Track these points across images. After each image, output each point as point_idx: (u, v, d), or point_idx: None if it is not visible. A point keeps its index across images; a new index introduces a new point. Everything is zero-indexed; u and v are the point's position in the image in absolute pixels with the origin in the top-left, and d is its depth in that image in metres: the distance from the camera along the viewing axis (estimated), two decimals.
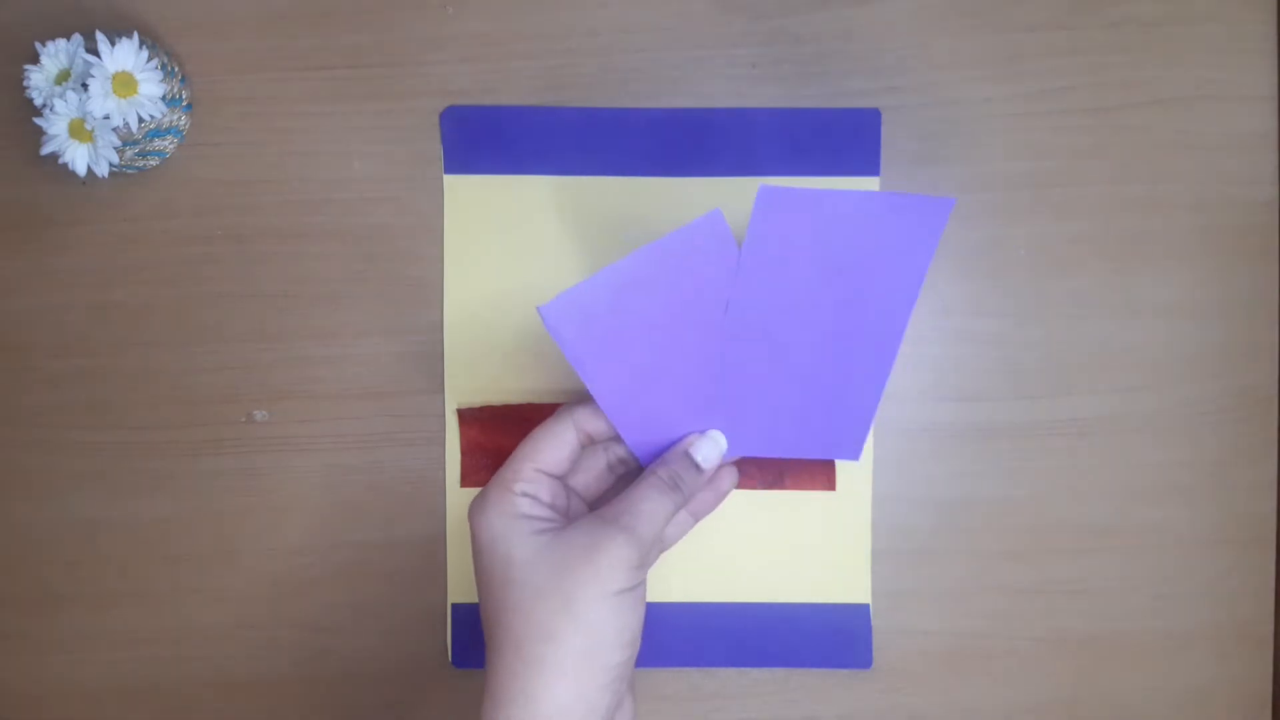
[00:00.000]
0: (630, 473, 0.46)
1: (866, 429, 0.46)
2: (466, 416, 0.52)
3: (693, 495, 0.42)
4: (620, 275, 0.41)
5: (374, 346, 0.52)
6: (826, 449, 0.47)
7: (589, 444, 0.43)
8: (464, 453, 0.52)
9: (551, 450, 0.41)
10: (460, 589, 0.52)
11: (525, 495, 0.40)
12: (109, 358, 0.52)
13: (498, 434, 0.51)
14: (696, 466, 0.42)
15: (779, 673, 0.53)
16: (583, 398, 0.44)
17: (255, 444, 0.52)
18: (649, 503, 0.40)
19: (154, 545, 0.53)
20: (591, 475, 0.45)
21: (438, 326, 0.52)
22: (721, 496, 0.46)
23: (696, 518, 0.46)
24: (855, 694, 0.53)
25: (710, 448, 0.43)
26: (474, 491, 0.52)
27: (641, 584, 0.39)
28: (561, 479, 0.42)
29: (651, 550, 0.40)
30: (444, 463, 0.52)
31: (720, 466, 0.45)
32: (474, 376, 0.52)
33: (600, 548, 0.37)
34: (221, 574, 0.53)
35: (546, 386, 0.52)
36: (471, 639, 0.52)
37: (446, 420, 0.52)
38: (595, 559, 0.37)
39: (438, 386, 0.52)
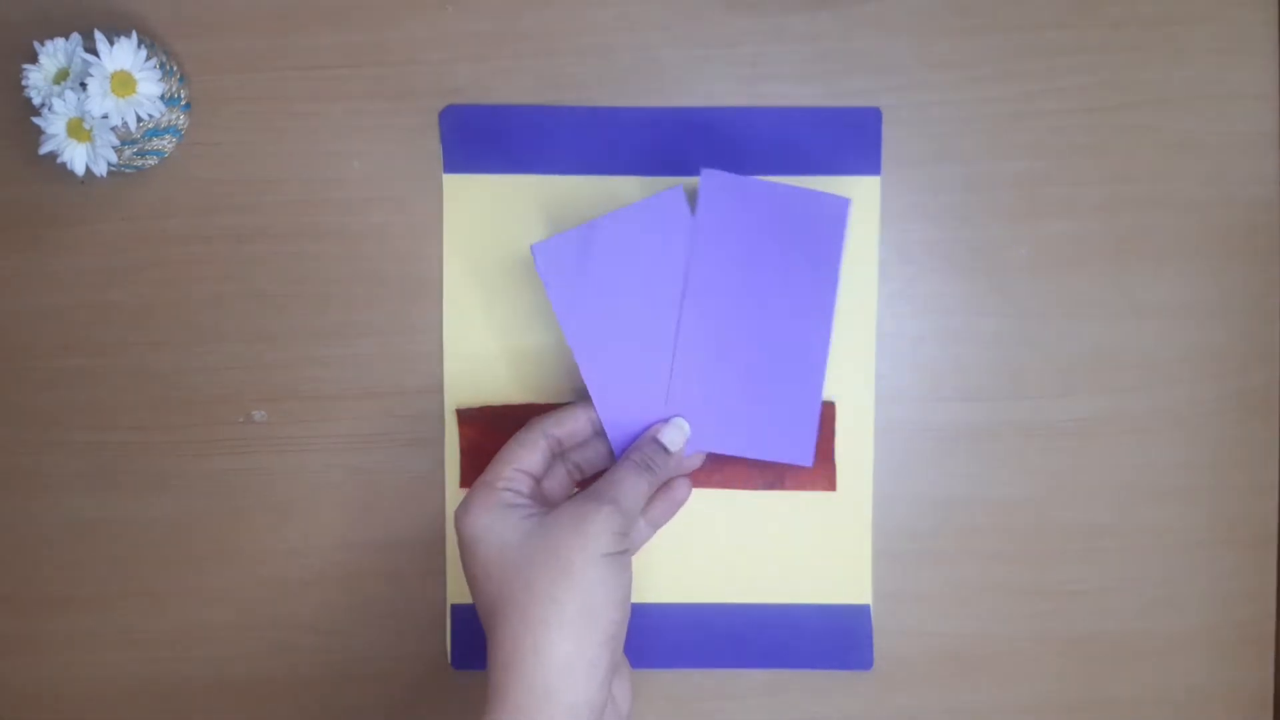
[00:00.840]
0: (587, 480, 0.48)
1: (813, 432, 0.48)
2: (465, 417, 0.52)
3: (663, 477, 0.47)
4: (598, 231, 0.47)
5: (374, 346, 0.52)
6: (778, 451, 0.49)
7: (558, 450, 0.47)
8: (463, 453, 0.52)
9: (526, 453, 0.45)
10: (460, 590, 0.52)
11: (508, 490, 0.44)
12: (109, 358, 0.52)
13: (497, 434, 0.51)
14: (664, 449, 0.46)
15: (780, 674, 0.53)
16: (552, 410, 0.48)
17: (255, 444, 0.52)
18: (628, 480, 0.44)
19: (154, 545, 0.52)
20: (556, 482, 0.48)
21: (437, 326, 0.52)
22: (677, 506, 0.49)
23: (655, 526, 0.49)
24: (856, 695, 0.53)
25: (675, 433, 0.47)
26: None
27: (628, 552, 0.43)
28: (538, 479, 0.46)
29: (632, 524, 0.44)
30: (444, 463, 0.52)
31: (676, 478, 0.49)
32: (473, 376, 0.52)
33: (589, 517, 0.42)
34: (221, 574, 0.53)
35: (545, 385, 0.52)
36: (471, 640, 0.52)
37: (446, 420, 0.52)
38: (585, 528, 0.41)
39: (438, 386, 0.52)
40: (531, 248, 0.47)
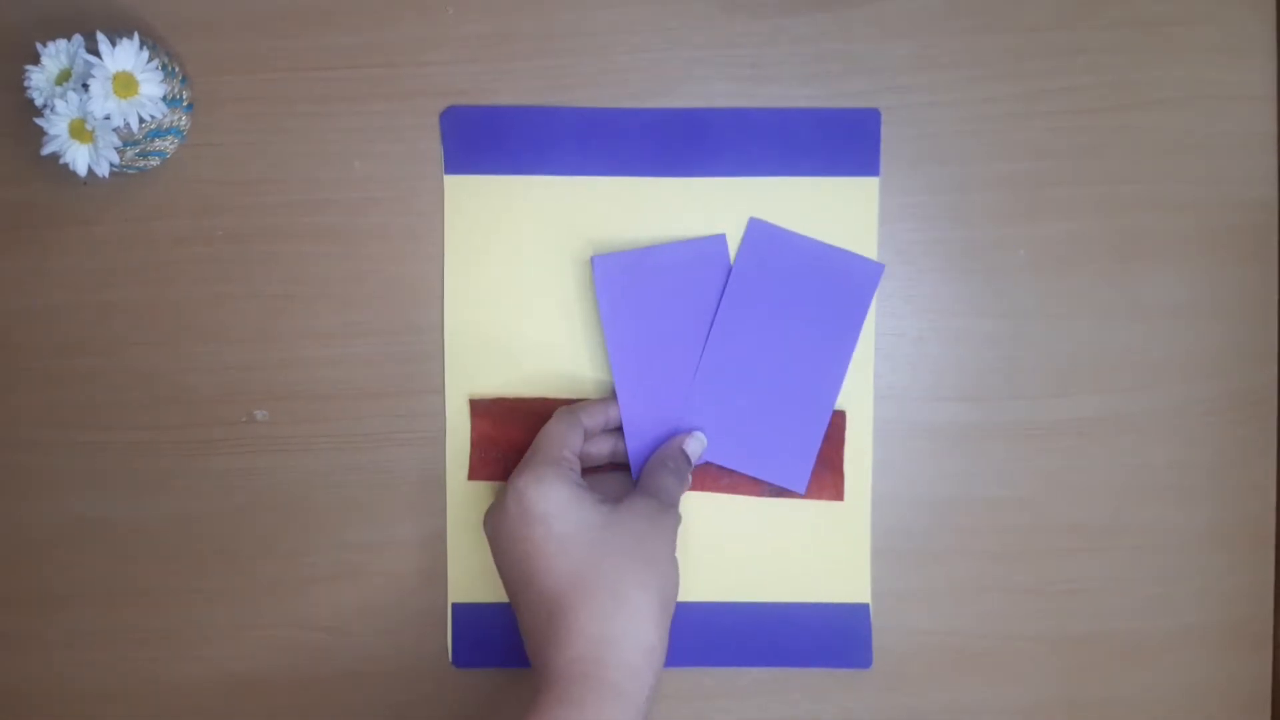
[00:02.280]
0: (589, 469, 0.50)
1: (810, 464, 0.52)
2: (479, 408, 0.52)
3: (689, 479, 0.49)
4: (649, 257, 0.51)
5: (374, 346, 0.52)
6: (777, 474, 0.52)
7: (584, 439, 0.48)
8: (474, 444, 0.52)
9: (574, 438, 0.47)
10: (461, 589, 0.52)
11: (573, 471, 0.46)
12: (109, 358, 0.52)
13: (509, 427, 0.52)
14: (688, 459, 0.49)
15: (779, 672, 0.53)
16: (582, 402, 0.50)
17: (255, 444, 0.52)
18: (671, 486, 0.47)
19: (154, 545, 0.53)
20: None
21: (438, 326, 0.52)
22: None
23: None
24: (855, 694, 0.53)
25: (697, 445, 0.50)
26: (480, 485, 0.52)
27: None
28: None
29: None
30: (444, 462, 0.52)
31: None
32: (473, 376, 0.52)
33: (664, 519, 0.45)
34: (221, 574, 0.53)
35: (545, 386, 0.52)
36: (472, 639, 0.52)
37: (447, 420, 0.52)
38: (663, 528, 0.45)
39: (438, 386, 0.52)
40: (591, 259, 0.51)
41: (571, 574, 0.42)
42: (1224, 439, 0.53)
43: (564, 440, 0.46)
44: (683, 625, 0.52)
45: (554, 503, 0.43)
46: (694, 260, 0.51)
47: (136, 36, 0.47)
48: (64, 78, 0.47)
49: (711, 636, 0.52)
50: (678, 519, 0.46)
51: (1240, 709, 0.53)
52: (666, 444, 0.50)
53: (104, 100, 0.46)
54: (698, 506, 0.52)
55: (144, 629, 0.53)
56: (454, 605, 0.52)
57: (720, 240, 0.52)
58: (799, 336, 0.51)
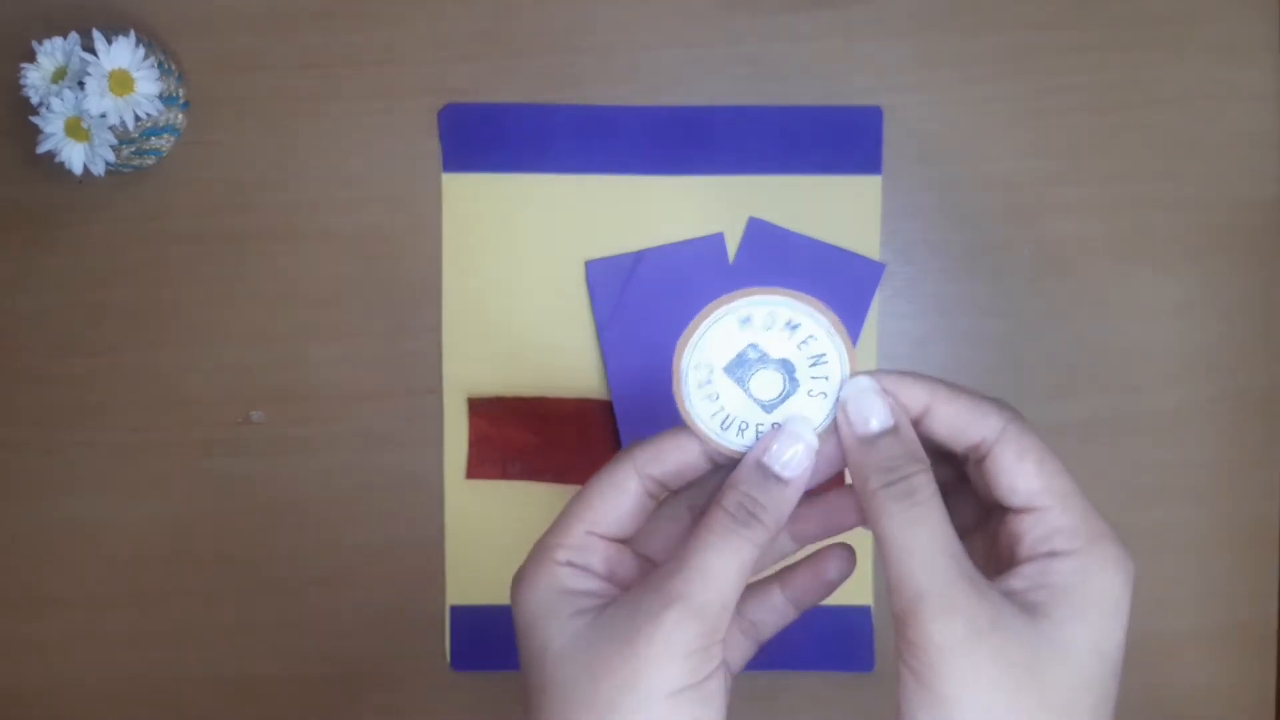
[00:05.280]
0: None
1: None
2: (477, 407, 0.52)
3: (778, 527, 0.30)
4: (644, 259, 0.51)
5: (373, 346, 0.52)
6: None
7: (659, 494, 0.32)
8: (472, 444, 0.52)
9: (607, 504, 0.31)
10: (460, 590, 0.52)
11: (570, 565, 0.30)
12: (108, 358, 0.52)
13: (507, 426, 0.51)
14: (775, 477, 0.30)
15: (780, 675, 0.53)
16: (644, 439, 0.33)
17: (254, 444, 0.52)
18: (709, 552, 0.29)
19: (154, 545, 0.52)
20: (671, 536, 0.32)
21: (436, 326, 0.52)
22: (828, 587, 0.34)
23: (799, 608, 0.35)
24: (857, 696, 0.53)
25: (790, 445, 0.30)
26: (478, 484, 0.52)
27: (717, 670, 0.29)
28: (626, 542, 0.32)
29: (720, 625, 0.29)
30: (443, 463, 0.52)
31: (831, 547, 0.34)
32: (472, 375, 0.52)
33: (644, 632, 0.28)
34: (220, 574, 0.52)
35: (543, 383, 0.52)
36: (470, 641, 0.52)
37: (445, 420, 0.52)
38: (638, 649, 0.28)
39: (437, 386, 0.52)
40: (586, 264, 0.51)
41: (531, 713, 0.30)
42: (1226, 439, 0.53)
43: (583, 512, 0.31)
44: None
45: (524, 613, 0.30)
46: (691, 261, 0.51)
47: (133, 34, 0.46)
48: (59, 75, 0.47)
49: None
50: (682, 622, 0.28)
51: (1245, 711, 0.53)
52: (741, 462, 0.31)
53: (99, 98, 0.45)
54: None
55: (142, 630, 0.53)
56: (452, 608, 0.52)
57: (718, 240, 0.51)
58: None
